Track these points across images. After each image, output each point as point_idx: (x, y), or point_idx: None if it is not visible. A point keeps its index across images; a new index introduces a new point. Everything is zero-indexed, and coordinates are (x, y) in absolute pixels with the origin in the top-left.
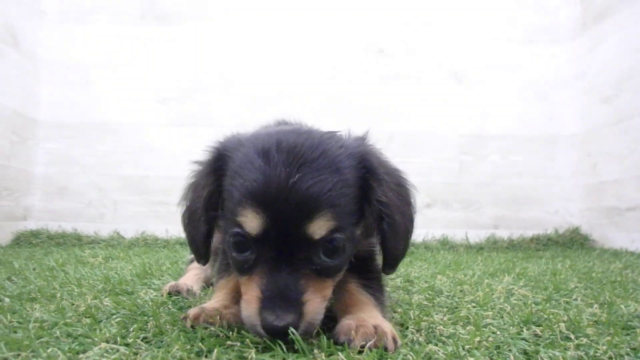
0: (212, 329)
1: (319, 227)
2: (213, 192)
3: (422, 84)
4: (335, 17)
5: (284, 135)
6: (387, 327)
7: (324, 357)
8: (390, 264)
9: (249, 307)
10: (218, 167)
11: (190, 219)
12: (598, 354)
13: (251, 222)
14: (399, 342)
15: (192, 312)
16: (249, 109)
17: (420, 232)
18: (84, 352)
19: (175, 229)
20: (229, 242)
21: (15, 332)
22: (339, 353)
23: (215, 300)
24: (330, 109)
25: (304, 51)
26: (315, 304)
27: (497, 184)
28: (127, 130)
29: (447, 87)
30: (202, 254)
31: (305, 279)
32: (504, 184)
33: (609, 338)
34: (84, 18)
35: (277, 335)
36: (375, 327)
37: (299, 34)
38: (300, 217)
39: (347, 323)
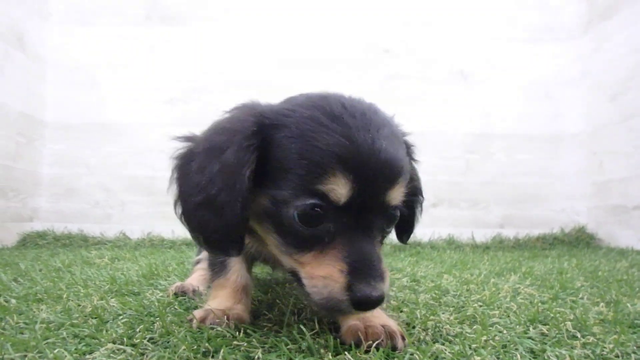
0: (219, 329)
1: (397, 194)
2: (253, 170)
3: (427, 84)
4: (339, 17)
5: (343, 100)
6: (395, 326)
7: (330, 357)
8: (410, 235)
9: (333, 284)
10: (262, 138)
11: (206, 205)
12: (605, 353)
13: (341, 189)
14: (406, 340)
15: (198, 314)
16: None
17: (427, 232)
18: (91, 352)
19: (181, 230)
20: (294, 215)
21: (22, 333)
22: (346, 353)
23: (219, 301)
24: None
25: (308, 51)
26: (388, 272)
27: (503, 183)
28: (133, 131)
29: (452, 86)
30: (230, 244)
31: (377, 247)
32: (510, 182)
33: (615, 336)
34: (88, 20)
35: (368, 307)
36: (384, 327)
37: (302, 34)
38: (384, 184)
39: (353, 324)
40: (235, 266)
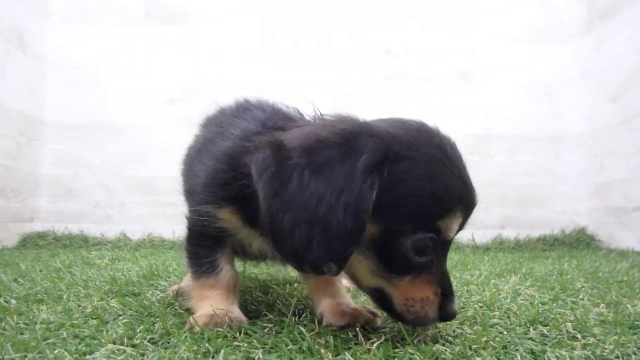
0: (220, 330)
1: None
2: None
3: (427, 84)
4: (340, 17)
5: (445, 137)
6: (363, 308)
7: (331, 357)
8: None
9: (429, 305)
10: (389, 169)
11: (324, 225)
12: (605, 354)
13: (455, 227)
14: (379, 314)
15: (200, 320)
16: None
17: None
18: (91, 353)
19: (182, 231)
20: (409, 245)
21: (22, 333)
22: (346, 352)
23: (212, 302)
24: (336, 109)
25: (309, 51)
26: None
27: (503, 184)
28: (134, 131)
29: (452, 86)
30: (336, 270)
31: None
32: (510, 183)
33: (615, 337)
34: (89, 19)
35: (450, 320)
36: (361, 308)
37: (304, 34)
38: (470, 215)
39: (336, 306)
40: (227, 265)
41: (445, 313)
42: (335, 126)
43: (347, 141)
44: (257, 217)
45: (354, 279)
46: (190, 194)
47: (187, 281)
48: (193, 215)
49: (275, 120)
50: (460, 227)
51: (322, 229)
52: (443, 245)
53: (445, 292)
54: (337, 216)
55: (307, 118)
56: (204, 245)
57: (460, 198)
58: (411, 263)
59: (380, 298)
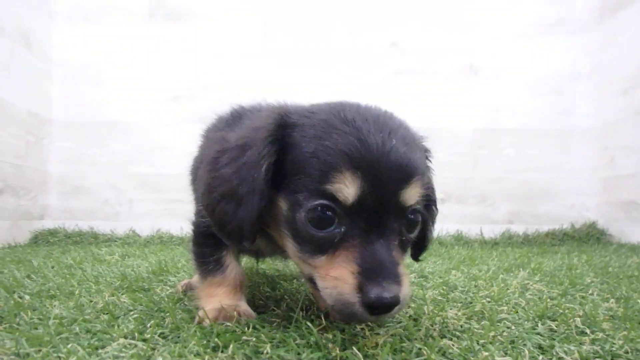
0: (229, 325)
1: (412, 194)
2: (272, 164)
3: (435, 78)
4: (347, 11)
5: (358, 107)
6: None
7: (338, 352)
8: (423, 251)
9: (343, 285)
10: (282, 134)
11: (228, 196)
12: (614, 349)
13: (349, 188)
14: None
15: (210, 314)
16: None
17: (435, 228)
18: (103, 347)
19: (189, 227)
20: (305, 218)
21: (36, 328)
22: (353, 347)
23: (219, 299)
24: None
25: (315, 46)
26: (408, 278)
27: (512, 179)
28: (140, 129)
29: (461, 81)
30: (245, 235)
31: (395, 251)
32: (519, 178)
33: (625, 333)
34: (93, 18)
35: (381, 310)
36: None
37: (310, 30)
38: (397, 183)
39: None
40: (232, 263)
41: (366, 298)
42: (261, 114)
43: (259, 122)
44: None
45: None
46: (196, 199)
47: (197, 277)
48: (197, 217)
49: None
50: (382, 193)
51: (234, 201)
52: (362, 216)
53: (369, 273)
54: (243, 189)
55: None
56: (209, 245)
57: (347, 155)
58: (315, 238)
59: (314, 285)
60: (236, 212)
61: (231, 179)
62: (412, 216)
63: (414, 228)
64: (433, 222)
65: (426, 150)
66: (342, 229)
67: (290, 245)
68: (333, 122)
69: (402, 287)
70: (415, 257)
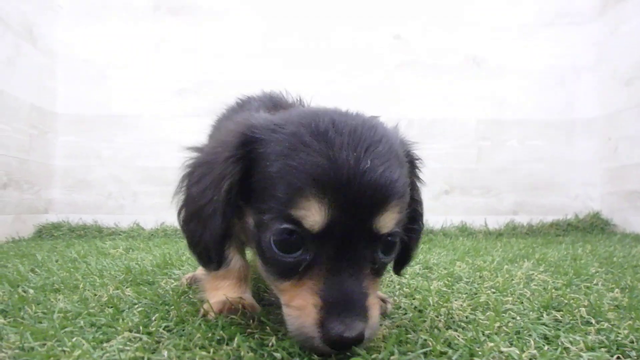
0: (234, 317)
1: (388, 220)
2: (235, 183)
3: (439, 71)
4: (351, 4)
5: (335, 116)
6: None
7: None
8: (405, 266)
9: (304, 318)
10: (246, 152)
11: (195, 216)
12: (619, 339)
13: (315, 215)
14: (390, 300)
15: (215, 306)
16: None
17: (439, 219)
18: (108, 341)
19: None
20: (270, 240)
21: (40, 322)
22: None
23: (224, 292)
24: (348, 96)
25: (319, 39)
26: (377, 308)
27: (516, 170)
28: (144, 123)
29: (465, 72)
30: (212, 257)
31: (366, 280)
32: (523, 169)
33: (630, 322)
34: (98, 12)
35: (343, 348)
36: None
37: (314, 22)
38: (370, 209)
39: None
40: (236, 256)
41: (328, 333)
42: (229, 126)
43: (225, 137)
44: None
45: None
46: None
47: (202, 269)
48: None
49: (268, 106)
50: (353, 220)
51: (201, 222)
52: (324, 242)
53: (333, 307)
54: (207, 209)
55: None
56: None
57: (313, 178)
58: (280, 262)
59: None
60: (202, 234)
61: (197, 198)
62: (390, 238)
63: (391, 251)
64: (418, 239)
65: (415, 160)
66: (309, 257)
67: (258, 264)
68: (302, 137)
69: (369, 321)
70: (397, 271)
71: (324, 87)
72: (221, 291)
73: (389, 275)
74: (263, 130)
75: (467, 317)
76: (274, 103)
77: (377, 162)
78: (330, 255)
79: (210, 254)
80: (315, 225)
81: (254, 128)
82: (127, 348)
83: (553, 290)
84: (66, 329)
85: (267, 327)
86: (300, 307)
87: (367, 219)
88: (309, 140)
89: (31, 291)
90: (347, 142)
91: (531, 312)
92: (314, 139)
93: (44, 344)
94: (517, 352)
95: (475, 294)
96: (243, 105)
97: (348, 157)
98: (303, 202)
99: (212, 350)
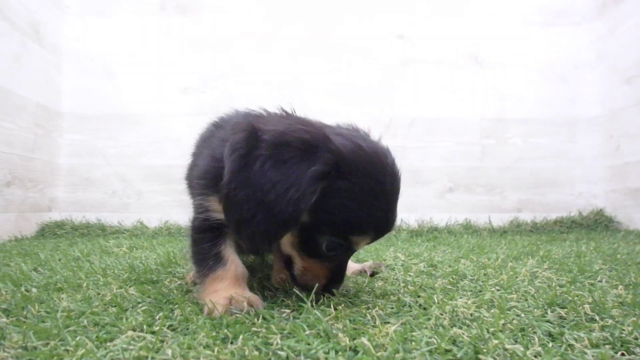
0: (238, 315)
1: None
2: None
3: (442, 69)
4: (350, 6)
5: (388, 169)
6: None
7: (347, 341)
8: None
9: (317, 280)
10: (332, 175)
11: (262, 204)
12: (623, 335)
13: (363, 243)
14: (383, 264)
15: (220, 306)
16: (267, 97)
17: (443, 217)
18: (111, 340)
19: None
20: (323, 244)
21: (43, 321)
22: (363, 337)
23: (222, 293)
24: (351, 95)
25: (322, 38)
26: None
27: (519, 168)
28: (150, 121)
29: (467, 71)
30: (265, 247)
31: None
32: (527, 167)
33: (634, 319)
34: (104, 10)
35: (328, 292)
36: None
37: (317, 21)
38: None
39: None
40: (232, 256)
41: (325, 289)
42: (302, 134)
43: (306, 149)
44: None
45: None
46: (193, 194)
47: (194, 274)
48: (195, 213)
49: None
50: (368, 243)
51: (266, 211)
52: (349, 250)
53: (333, 279)
54: (280, 205)
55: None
56: (208, 239)
57: (375, 227)
58: (320, 252)
59: (287, 262)
60: (266, 222)
61: (268, 191)
62: None
63: None
64: None
65: None
66: (339, 255)
67: (292, 239)
68: (374, 190)
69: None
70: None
71: (328, 87)
72: (221, 292)
73: (394, 273)
74: (349, 166)
75: (471, 315)
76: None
77: (396, 207)
78: (346, 255)
79: (264, 240)
80: (357, 248)
81: (341, 156)
82: (131, 347)
83: (557, 288)
84: (69, 328)
85: (272, 326)
86: (316, 275)
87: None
88: (378, 193)
89: (34, 290)
90: (392, 200)
91: (536, 309)
92: (379, 192)
93: (47, 343)
94: (522, 349)
95: (480, 291)
96: (222, 122)
97: (390, 211)
98: (365, 238)
99: (216, 349)
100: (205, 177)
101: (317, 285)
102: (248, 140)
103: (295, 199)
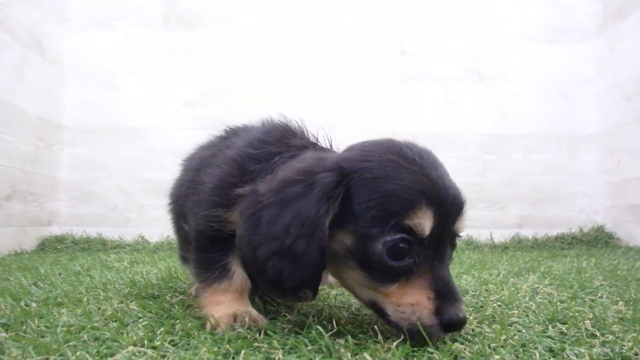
0: (240, 330)
1: (464, 223)
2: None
3: (444, 85)
4: (356, 18)
5: (409, 144)
6: None
7: (349, 357)
8: None
9: (421, 310)
10: (343, 189)
11: (289, 253)
12: (624, 351)
13: (427, 221)
14: None
15: (223, 324)
16: (269, 110)
17: None
18: (112, 355)
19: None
20: (382, 250)
21: (43, 336)
22: (365, 352)
23: (227, 307)
24: (355, 110)
25: (326, 53)
26: None
27: (520, 183)
28: (151, 134)
29: (469, 87)
30: (313, 289)
31: (449, 272)
32: (528, 182)
33: (634, 335)
34: (107, 23)
35: (456, 328)
36: None
37: (321, 35)
38: (455, 214)
39: None
40: (238, 269)
41: (445, 319)
42: (295, 166)
43: (305, 177)
44: None
45: (353, 293)
46: (197, 203)
47: (197, 285)
48: (203, 222)
49: (273, 133)
50: (444, 225)
51: (289, 259)
52: (429, 246)
53: (443, 296)
54: (300, 246)
55: (304, 130)
56: (216, 250)
57: (423, 192)
58: (390, 268)
59: (377, 310)
60: (294, 269)
61: (282, 237)
62: (457, 240)
63: (454, 248)
64: None
65: None
66: (416, 260)
67: (354, 274)
68: (399, 162)
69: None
70: None
71: (331, 102)
72: (223, 305)
73: None
74: (353, 163)
75: (473, 330)
76: (275, 128)
77: (450, 179)
78: (429, 256)
79: (302, 287)
80: (425, 231)
81: (342, 163)
82: None
83: (558, 303)
84: (69, 343)
85: (274, 341)
86: (415, 302)
87: (452, 223)
88: (406, 164)
89: (34, 304)
90: (429, 165)
91: (537, 325)
92: (409, 163)
93: (47, 358)
94: None
95: (482, 307)
96: (241, 130)
97: (436, 175)
98: (418, 212)
99: None
100: (228, 188)
101: (424, 314)
102: (251, 201)
103: (311, 232)
